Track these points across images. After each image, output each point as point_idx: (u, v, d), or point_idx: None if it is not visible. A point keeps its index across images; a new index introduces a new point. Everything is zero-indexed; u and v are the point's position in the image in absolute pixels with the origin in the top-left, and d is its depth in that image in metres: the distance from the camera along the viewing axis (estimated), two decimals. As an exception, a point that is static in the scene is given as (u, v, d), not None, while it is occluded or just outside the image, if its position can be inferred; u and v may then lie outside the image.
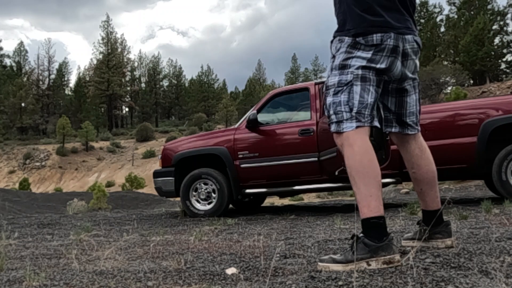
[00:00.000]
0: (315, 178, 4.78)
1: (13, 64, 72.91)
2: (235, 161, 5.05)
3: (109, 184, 35.77)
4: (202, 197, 5.13)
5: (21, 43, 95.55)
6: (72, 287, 1.69)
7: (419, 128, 1.98)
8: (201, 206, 5.12)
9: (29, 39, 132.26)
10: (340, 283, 1.46)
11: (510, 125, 4.23)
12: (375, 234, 1.65)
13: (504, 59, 46.47)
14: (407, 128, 1.95)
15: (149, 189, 23.30)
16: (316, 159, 4.70)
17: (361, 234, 1.68)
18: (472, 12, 47.61)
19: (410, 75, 1.89)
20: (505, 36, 45.42)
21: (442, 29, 51.58)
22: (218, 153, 5.14)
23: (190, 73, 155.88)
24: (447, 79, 35.99)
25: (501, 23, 45.26)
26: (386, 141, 3.65)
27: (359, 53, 1.78)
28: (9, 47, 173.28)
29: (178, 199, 5.44)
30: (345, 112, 1.76)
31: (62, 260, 2.39)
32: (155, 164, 33.85)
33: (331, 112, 1.80)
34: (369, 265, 1.62)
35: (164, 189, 5.38)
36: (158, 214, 6.01)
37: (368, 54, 1.76)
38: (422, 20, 52.13)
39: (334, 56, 1.85)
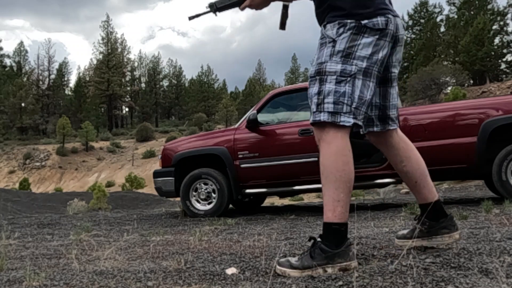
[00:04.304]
0: (315, 178, 4.78)
1: (13, 64, 73.08)
2: (235, 161, 5.05)
3: (109, 184, 35.79)
4: (202, 197, 5.13)
5: (21, 43, 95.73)
6: (72, 287, 1.69)
7: (398, 123, 1.90)
8: (201, 206, 5.12)
9: (30, 39, 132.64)
10: (340, 283, 1.47)
11: (510, 125, 4.22)
12: (333, 240, 1.62)
13: (504, 59, 46.47)
14: (389, 123, 1.86)
15: (149, 189, 23.31)
16: (316, 159, 4.70)
17: (319, 239, 1.65)
18: (472, 12, 47.61)
19: (396, 64, 1.83)
20: (505, 36, 45.44)
21: (442, 29, 51.54)
22: (218, 153, 5.14)
23: (190, 73, 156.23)
24: (447, 79, 36.03)
25: (501, 23, 45.25)
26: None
27: (364, 39, 1.66)
28: (10, 47, 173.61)
29: (178, 199, 5.44)
30: (346, 105, 1.64)
31: (62, 260, 2.39)
32: (155, 164, 33.86)
33: (331, 100, 1.64)
34: (325, 271, 1.59)
35: (164, 189, 5.38)
36: (158, 214, 6.00)
37: (373, 39, 1.66)
38: (422, 20, 52.09)
39: (334, 40, 1.68)
